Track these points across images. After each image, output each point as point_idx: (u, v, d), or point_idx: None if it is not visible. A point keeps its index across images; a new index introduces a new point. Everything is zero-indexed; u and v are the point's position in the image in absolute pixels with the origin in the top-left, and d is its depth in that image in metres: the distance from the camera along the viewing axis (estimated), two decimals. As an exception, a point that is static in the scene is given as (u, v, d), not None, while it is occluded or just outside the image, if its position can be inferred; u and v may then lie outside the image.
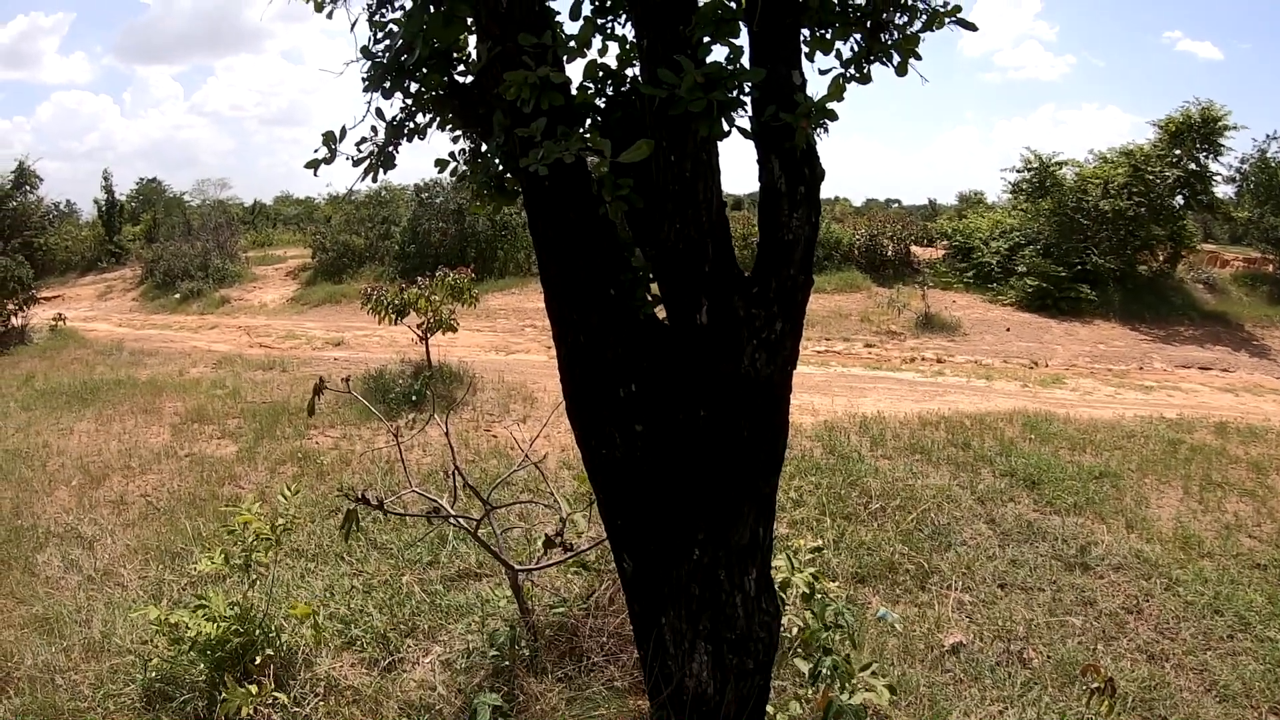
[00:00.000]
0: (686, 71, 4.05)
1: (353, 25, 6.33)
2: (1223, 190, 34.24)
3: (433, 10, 4.39)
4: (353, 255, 37.92)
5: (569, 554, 7.20)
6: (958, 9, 4.56)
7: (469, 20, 4.55)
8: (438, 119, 4.96)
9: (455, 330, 17.66)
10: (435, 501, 7.43)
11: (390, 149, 4.97)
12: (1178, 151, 31.92)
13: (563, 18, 4.59)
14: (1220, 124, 31.46)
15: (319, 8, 6.96)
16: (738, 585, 4.93)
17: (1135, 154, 32.48)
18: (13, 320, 30.15)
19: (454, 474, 7.80)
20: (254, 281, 38.90)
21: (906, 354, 24.06)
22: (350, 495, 6.99)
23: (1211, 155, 32.16)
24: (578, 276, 4.70)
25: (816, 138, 4.53)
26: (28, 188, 47.63)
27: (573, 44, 4.52)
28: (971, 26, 4.62)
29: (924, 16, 4.65)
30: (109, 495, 13.22)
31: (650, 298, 4.91)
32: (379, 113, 4.88)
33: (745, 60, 4.34)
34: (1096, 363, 24.07)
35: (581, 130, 4.52)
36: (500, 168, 4.68)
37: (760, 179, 4.62)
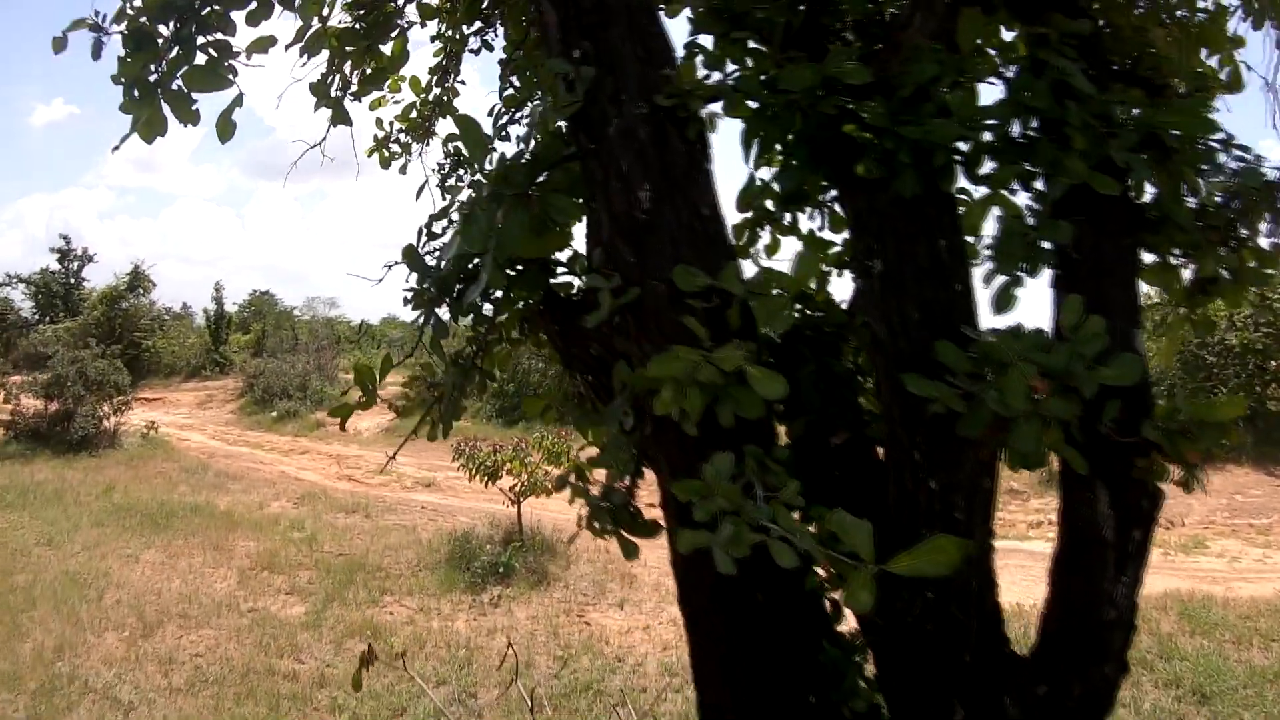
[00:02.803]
0: (955, 363, 2.54)
1: (418, 193, 5.13)
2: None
3: (510, 213, 2.68)
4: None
5: None
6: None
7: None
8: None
9: (550, 494, 16.28)
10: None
11: (458, 394, 3.57)
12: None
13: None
14: None
15: (385, 164, 5.87)
16: None
17: (1260, 281, 29.92)
18: (105, 423, 29.74)
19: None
20: (351, 406, 38.05)
21: (1032, 517, 21.72)
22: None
23: None
24: (758, 680, 3.02)
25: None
26: (141, 290, 48.23)
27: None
28: None
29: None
30: (159, 649, 12.15)
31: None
32: (434, 345, 3.41)
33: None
34: (1236, 517, 21.40)
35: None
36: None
37: (1063, 515, 3.18)
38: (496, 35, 5.50)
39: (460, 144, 5.33)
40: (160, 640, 12.45)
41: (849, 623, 3.17)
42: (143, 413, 32.72)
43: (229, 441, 32.16)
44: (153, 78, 3.30)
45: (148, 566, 15.75)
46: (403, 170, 6.03)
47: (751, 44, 3.40)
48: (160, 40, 3.29)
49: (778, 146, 3.18)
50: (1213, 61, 4.03)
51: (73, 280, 54.44)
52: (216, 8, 3.38)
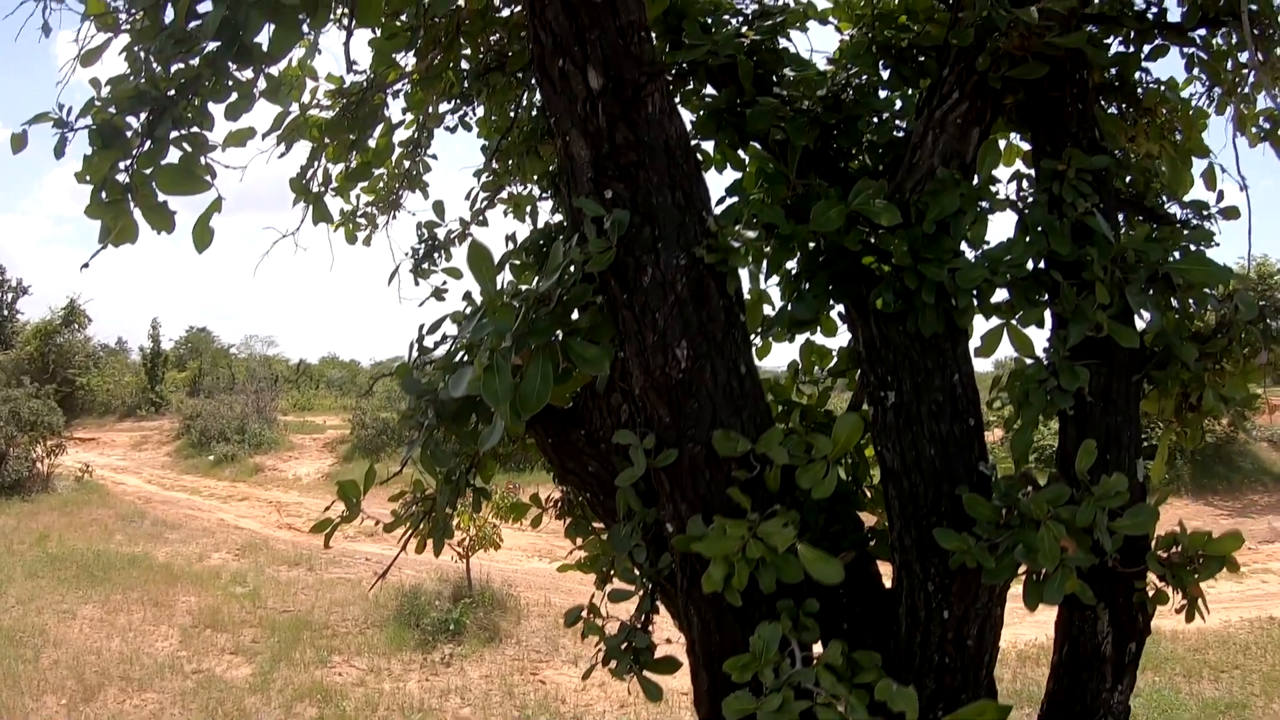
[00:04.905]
0: (983, 516, 2.58)
1: (390, 279, 5.03)
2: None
3: (534, 363, 2.42)
4: (392, 433, 36.21)
5: None
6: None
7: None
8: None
9: (498, 547, 16.08)
10: None
11: (449, 511, 3.53)
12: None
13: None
14: (1275, 278, 29.60)
15: (350, 239, 5.69)
16: None
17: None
18: (38, 465, 29.00)
19: None
20: (290, 451, 37.35)
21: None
22: None
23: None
24: None
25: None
26: (76, 326, 47.31)
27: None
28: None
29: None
30: (101, 714, 11.75)
31: None
32: (425, 462, 3.37)
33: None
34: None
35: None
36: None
37: (1061, 629, 3.31)
38: (474, 113, 5.40)
39: (438, 230, 5.24)
40: (102, 705, 12.03)
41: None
42: (76, 453, 32.05)
43: (166, 486, 31.48)
44: (121, 176, 3.00)
45: (86, 623, 15.26)
46: (367, 242, 5.88)
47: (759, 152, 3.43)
48: (129, 133, 3.00)
49: (789, 265, 3.18)
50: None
51: (5, 312, 53.16)
52: (194, 100, 3.07)
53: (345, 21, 3.06)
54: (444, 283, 5.08)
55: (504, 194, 5.32)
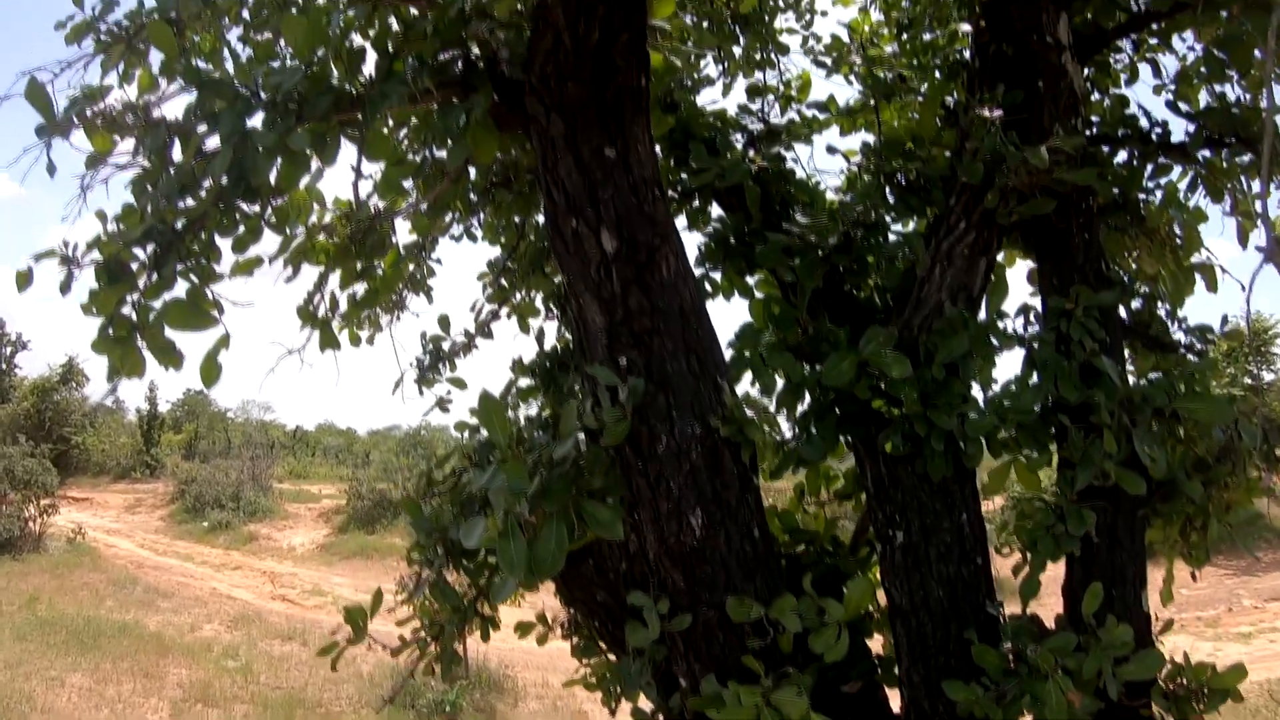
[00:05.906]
0: (991, 666, 2.63)
1: (394, 388, 5.02)
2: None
3: (547, 529, 2.39)
4: (388, 505, 35.92)
5: None
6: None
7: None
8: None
9: (497, 628, 15.90)
10: None
11: (456, 636, 3.67)
12: (1231, 370, 29.99)
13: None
14: (1270, 333, 29.78)
15: (355, 342, 5.65)
16: None
17: (1206, 360, 30.94)
18: (30, 525, 28.62)
19: None
20: (285, 520, 36.97)
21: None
22: None
23: (1265, 365, 30.26)
24: None
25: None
26: (74, 384, 47.13)
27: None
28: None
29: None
30: (87, 790, 11.49)
31: None
32: (435, 591, 3.44)
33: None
34: (1183, 611, 20.93)
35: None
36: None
37: None
38: (479, 223, 5.38)
39: (444, 343, 5.23)
40: (88, 780, 11.83)
41: None
42: (69, 513, 31.81)
43: (158, 551, 31.16)
44: (127, 309, 2.97)
45: (74, 692, 15.05)
46: (370, 341, 5.85)
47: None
48: (135, 265, 2.97)
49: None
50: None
51: (4, 366, 52.92)
52: (202, 235, 3.08)
53: (354, 158, 3.07)
54: (448, 393, 5.08)
55: (514, 299, 5.31)
